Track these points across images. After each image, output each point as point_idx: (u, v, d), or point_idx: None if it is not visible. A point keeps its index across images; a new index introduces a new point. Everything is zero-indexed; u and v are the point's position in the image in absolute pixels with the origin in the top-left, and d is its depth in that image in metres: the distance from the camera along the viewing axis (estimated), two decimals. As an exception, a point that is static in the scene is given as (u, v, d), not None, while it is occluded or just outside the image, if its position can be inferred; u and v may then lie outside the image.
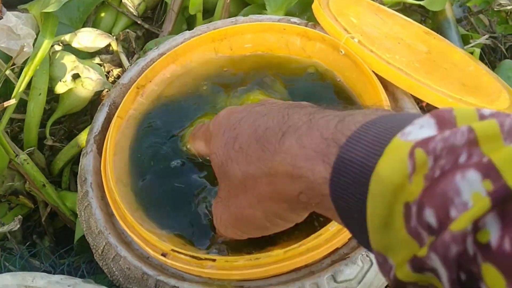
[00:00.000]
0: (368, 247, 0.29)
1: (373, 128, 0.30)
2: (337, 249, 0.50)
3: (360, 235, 0.30)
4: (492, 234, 0.22)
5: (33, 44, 0.72)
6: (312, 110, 0.36)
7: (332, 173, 0.30)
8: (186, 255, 0.49)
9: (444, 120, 0.27)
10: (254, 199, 0.40)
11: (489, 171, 0.23)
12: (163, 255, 0.50)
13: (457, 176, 0.24)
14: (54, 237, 0.71)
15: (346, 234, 0.49)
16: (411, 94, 0.60)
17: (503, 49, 0.93)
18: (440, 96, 0.59)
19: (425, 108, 0.71)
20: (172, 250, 0.50)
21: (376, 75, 0.59)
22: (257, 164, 0.38)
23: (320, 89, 0.63)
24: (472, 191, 0.23)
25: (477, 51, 0.89)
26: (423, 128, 0.27)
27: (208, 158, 0.51)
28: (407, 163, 0.26)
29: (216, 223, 0.47)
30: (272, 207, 0.39)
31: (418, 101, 0.64)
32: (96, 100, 0.80)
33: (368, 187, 0.27)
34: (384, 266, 0.28)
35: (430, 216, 0.24)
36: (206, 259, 0.48)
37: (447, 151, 0.25)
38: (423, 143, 0.26)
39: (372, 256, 0.48)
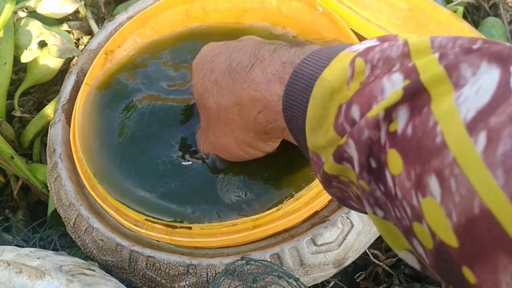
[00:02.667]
0: (306, 152, 0.33)
1: (326, 49, 0.33)
2: (316, 212, 0.48)
3: (303, 143, 0.33)
4: (400, 123, 0.24)
5: (-5, 10, 0.68)
6: (279, 45, 0.38)
7: (285, 89, 0.33)
8: (160, 224, 0.47)
9: (387, 37, 0.30)
10: (227, 129, 0.44)
11: (410, 72, 0.25)
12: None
13: (384, 78, 0.26)
14: (27, 212, 0.69)
15: (326, 197, 0.47)
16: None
17: (487, 7, 0.91)
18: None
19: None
20: (146, 219, 0.48)
21: (355, 33, 0.57)
22: (229, 95, 0.41)
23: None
24: (394, 89, 0.25)
25: (460, 9, 0.86)
26: (366, 43, 0.30)
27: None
28: (347, 70, 0.28)
29: (200, 148, 0.52)
30: (242, 136, 0.43)
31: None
32: (66, 69, 0.77)
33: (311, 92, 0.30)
34: (318, 163, 0.31)
35: (355, 111, 0.27)
36: (181, 227, 0.46)
37: (383, 61, 0.27)
38: (364, 52, 0.28)
39: (352, 218, 0.46)
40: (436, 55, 0.24)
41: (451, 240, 0.21)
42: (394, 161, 0.24)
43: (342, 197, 0.32)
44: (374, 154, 0.26)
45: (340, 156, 0.28)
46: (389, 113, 0.25)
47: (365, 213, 0.31)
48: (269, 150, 0.47)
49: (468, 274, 0.21)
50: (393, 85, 0.25)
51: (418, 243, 0.24)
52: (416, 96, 0.24)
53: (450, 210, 0.21)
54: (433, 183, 0.22)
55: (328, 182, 0.31)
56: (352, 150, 0.26)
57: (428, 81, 0.24)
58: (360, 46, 0.30)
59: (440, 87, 0.23)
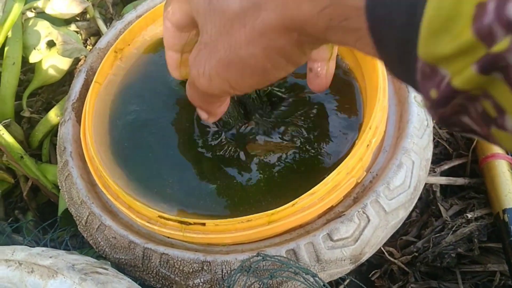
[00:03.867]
0: (404, 70, 0.26)
1: None
2: (332, 207, 0.47)
3: (398, 54, 0.26)
4: None
5: (3, 10, 0.68)
6: None
7: None
8: (174, 220, 0.46)
9: None
10: (254, 32, 0.33)
11: None
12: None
13: None
14: (37, 213, 0.68)
15: (340, 192, 0.47)
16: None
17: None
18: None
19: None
20: (159, 216, 0.47)
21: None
22: None
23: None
24: None
25: None
26: None
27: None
28: None
29: (196, 77, 0.39)
30: (278, 40, 0.33)
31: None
32: (74, 70, 0.76)
33: None
34: (433, 78, 0.24)
35: None
36: (195, 223, 0.46)
37: None
38: None
39: (369, 213, 0.45)
40: None
41: None
42: None
43: (452, 113, 0.25)
44: None
45: (494, 65, 0.22)
46: None
47: (469, 131, 0.26)
48: (302, 62, 0.36)
49: None
50: None
51: None
52: None
53: None
54: None
55: (448, 100, 0.24)
56: None
57: None
58: None
59: None
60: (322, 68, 0.45)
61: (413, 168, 0.48)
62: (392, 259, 0.56)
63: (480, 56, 0.21)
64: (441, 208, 0.58)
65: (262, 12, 0.32)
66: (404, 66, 0.26)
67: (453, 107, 0.24)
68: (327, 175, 0.45)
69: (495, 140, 0.24)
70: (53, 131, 0.70)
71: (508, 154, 0.59)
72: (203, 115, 0.45)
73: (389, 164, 0.48)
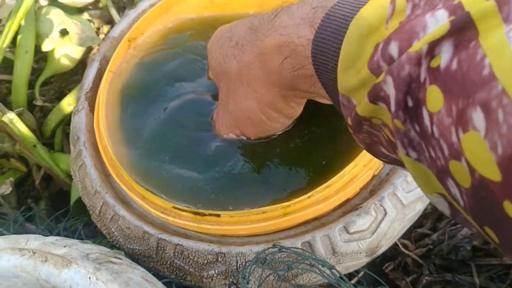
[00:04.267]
0: (337, 101, 0.32)
1: None
2: (348, 200, 0.47)
3: (332, 88, 0.32)
4: (444, 58, 0.23)
5: (17, -2, 0.68)
6: None
7: (316, 32, 0.32)
8: (188, 211, 0.46)
9: None
10: (249, 90, 0.42)
11: (456, 8, 0.23)
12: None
13: (427, 15, 0.24)
14: (50, 201, 0.68)
15: (357, 184, 0.46)
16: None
17: None
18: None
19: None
20: (174, 207, 0.47)
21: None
22: (251, 49, 0.40)
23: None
24: (438, 25, 0.24)
25: None
26: None
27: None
28: (387, 8, 0.27)
29: (217, 127, 0.50)
30: (265, 94, 0.41)
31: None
32: (86, 59, 0.76)
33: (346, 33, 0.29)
34: (348, 107, 0.29)
35: (393, 48, 0.25)
36: (210, 214, 0.45)
37: (425, 1, 0.26)
38: None
39: (386, 205, 0.45)
40: None
41: (493, 175, 0.20)
42: (434, 97, 0.23)
43: (371, 142, 0.31)
44: (411, 92, 0.25)
45: (376, 95, 0.26)
46: (432, 48, 0.24)
47: (392, 161, 0.31)
48: (292, 115, 0.45)
49: (510, 208, 0.20)
50: (437, 22, 0.24)
51: (453, 183, 0.23)
52: (462, 30, 0.23)
53: (495, 142, 0.20)
54: (477, 116, 0.21)
55: (359, 126, 0.30)
56: (390, 88, 0.25)
57: (477, 15, 0.23)
58: None
59: (489, 21, 0.22)
60: None
61: (430, 160, 0.47)
62: (406, 251, 0.55)
63: (369, 88, 0.26)
64: (457, 201, 0.57)
65: (251, 71, 0.41)
66: (338, 101, 0.31)
67: (367, 134, 0.30)
68: (344, 168, 0.45)
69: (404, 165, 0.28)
70: (66, 120, 0.70)
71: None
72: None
73: (406, 156, 0.47)
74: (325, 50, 0.31)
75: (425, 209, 0.59)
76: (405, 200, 0.46)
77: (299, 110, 0.45)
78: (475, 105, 0.21)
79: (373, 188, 0.48)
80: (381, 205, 0.45)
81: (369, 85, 0.27)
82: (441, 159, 0.24)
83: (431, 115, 0.24)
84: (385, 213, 0.45)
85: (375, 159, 0.46)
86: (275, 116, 0.44)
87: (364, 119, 0.28)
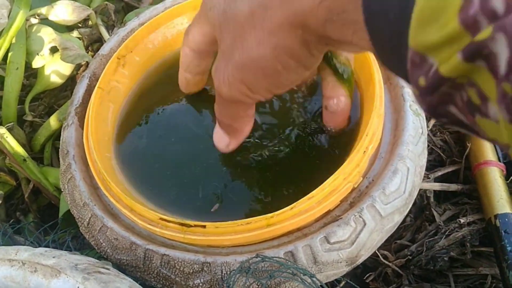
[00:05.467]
0: (395, 61, 0.27)
1: None
2: (329, 211, 0.49)
3: (388, 43, 0.27)
4: None
5: (8, 16, 0.69)
6: None
7: None
8: (174, 222, 0.48)
9: None
10: (263, 33, 0.35)
11: None
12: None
13: None
14: (38, 215, 0.69)
15: (337, 196, 0.48)
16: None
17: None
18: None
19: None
20: (160, 218, 0.48)
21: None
22: None
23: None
24: None
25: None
26: None
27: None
28: None
29: (218, 83, 0.41)
30: (285, 38, 0.34)
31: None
32: (76, 75, 0.78)
33: None
34: (421, 66, 0.25)
35: (497, 1, 0.21)
36: (195, 225, 0.47)
37: None
38: None
39: (365, 217, 0.47)
40: None
41: None
42: None
43: (439, 102, 0.26)
44: None
45: (477, 53, 0.23)
46: None
47: (456, 122, 0.27)
48: (312, 65, 0.38)
49: None
50: None
51: None
52: None
53: None
54: None
55: (436, 87, 0.25)
56: (501, 46, 0.22)
57: None
58: None
59: None
60: (337, 105, 0.48)
61: (408, 174, 0.49)
62: (386, 262, 0.57)
63: (465, 45, 0.23)
64: (435, 213, 0.60)
65: (268, 12, 0.34)
66: (396, 57, 0.27)
67: (440, 95, 0.25)
68: (325, 180, 0.47)
69: (479, 129, 0.25)
70: (55, 135, 0.71)
71: (500, 161, 0.61)
72: (223, 140, 0.49)
73: (385, 170, 0.49)
74: None
75: (404, 221, 0.61)
76: (384, 211, 0.48)
77: (319, 59, 0.38)
78: None
79: (353, 200, 0.50)
80: (360, 217, 0.47)
81: (461, 42, 0.23)
82: None
83: None
84: (364, 224, 0.47)
85: (355, 172, 0.48)
86: (292, 66, 0.37)
87: (448, 79, 0.24)
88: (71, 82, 0.78)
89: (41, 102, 0.75)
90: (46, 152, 0.70)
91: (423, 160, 0.52)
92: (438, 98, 0.26)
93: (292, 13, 0.33)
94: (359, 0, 0.27)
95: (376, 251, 0.56)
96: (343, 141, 0.52)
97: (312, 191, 0.47)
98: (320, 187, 0.47)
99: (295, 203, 0.46)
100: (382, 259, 0.57)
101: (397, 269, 0.57)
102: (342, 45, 0.35)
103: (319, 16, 0.31)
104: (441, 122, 0.28)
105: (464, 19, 0.22)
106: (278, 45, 0.35)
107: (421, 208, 0.62)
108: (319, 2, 0.30)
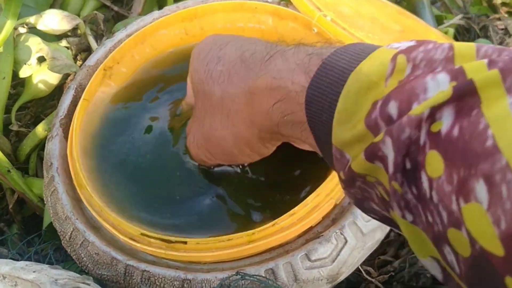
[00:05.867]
0: (329, 156, 0.31)
1: (360, 45, 0.31)
2: (311, 228, 0.49)
3: (325, 140, 0.31)
4: (445, 123, 0.23)
5: (-5, 26, 0.69)
6: (300, 43, 0.37)
7: (311, 80, 0.31)
8: (156, 238, 0.48)
9: (426, 40, 0.29)
10: (228, 122, 0.41)
11: (457, 74, 0.24)
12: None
13: (428, 77, 0.25)
14: (23, 225, 0.69)
15: (320, 213, 0.48)
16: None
17: (477, 29, 0.93)
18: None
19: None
20: (142, 234, 0.48)
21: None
22: (239, 84, 0.39)
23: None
24: (439, 89, 0.24)
25: (451, 31, 0.89)
26: (405, 43, 0.29)
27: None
28: (387, 66, 0.27)
29: (189, 143, 0.49)
30: (244, 132, 0.40)
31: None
32: (63, 84, 0.77)
33: (344, 86, 0.28)
34: (341, 161, 0.29)
35: (392, 108, 0.25)
36: (176, 241, 0.47)
37: (425, 62, 0.26)
38: (407, 50, 0.27)
39: (346, 234, 0.47)
40: (485, 61, 0.24)
41: (496, 249, 0.20)
42: (434, 163, 0.23)
43: (362, 198, 0.30)
44: (410, 154, 0.24)
45: (373, 154, 0.26)
46: (434, 113, 0.24)
47: (382, 218, 0.31)
48: (264, 154, 0.44)
49: None
50: (438, 85, 0.24)
51: (450, 250, 0.23)
52: (465, 97, 0.23)
53: (499, 217, 0.20)
54: (480, 188, 0.21)
55: (352, 181, 0.29)
56: (388, 149, 0.25)
57: (480, 83, 0.23)
58: (400, 45, 0.29)
59: (492, 91, 0.22)
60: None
61: (390, 191, 0.49)
62: (369, 278, 0.57)
63: (367, 145, 0.26)
64: (419, 230, 0.60)
65: (235, 105, 0.40)
66: (329, 153, 0.31)
67: (359, 190, 0.29)
68: (307, 197, 0.47)
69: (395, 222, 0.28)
70: (41, 145, 0.70)
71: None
72: None
73: (367, 186, 0.49)
74: (320, 100, 0.30)
75: (388, 237, 0.61)
76: (365, 229, 0.48)
77: (272, 150, 0.44)
78: (477, 177, 0.21)
79: (335, 217, 0.50)
80: (341, 234, 0.47)
81: (365, 142, 0.26)
82: (439, 225, 0.23)
83: (430, 180, 0.23)
84: (346, 241, 0.47)
85: (337, 189, 0.48)
86: (247, 153, 0.43)
87: (359, 175, 0.28)
88: (58, 91, 0.77)
89: (28, 112, 0.75)
90: (31, 162, 0.70)
91: (406, 177, 0.52)
92: (359, 193, 0.30)
93: (252, 113, 0.38)
94: (303, 103, 0.32)
95: (359, 267, 0.56)
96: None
97: (294, 207, 0.47)
98: (302, 203, 0.47)
99: (276, 220, 0.46)
100: (365, 274, 0.57)
101: (380, 285, 0.57)
102: (294, 140, 0.41)
103: (273, 118, 0.36)
104: (374, 219, 0.32)
105: (368, 121, 0.26)
106: (237, 135, 0.41)
107: (405, 223, 0.62)
108: (273, 105, 0.35)
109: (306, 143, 0.36)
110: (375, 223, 0.48)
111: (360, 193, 0.30)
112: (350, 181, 0.29)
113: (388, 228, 0.50)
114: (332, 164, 0.31)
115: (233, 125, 0.41)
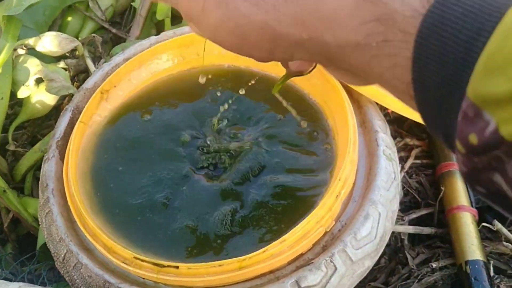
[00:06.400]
0: (435, 113, 0.24)
1: None
2: (301, 254, 0.50)
3: (431, 87, 0.24)
4: None
5: (-5, 48, 0.70)
6: None
7: (434, 3, 0.23)
8: (148, 262, 0.48)
9: None
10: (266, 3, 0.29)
11: None
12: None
13: None
14: (17, 244, 0.70)
15: (310, 240, 0.49)
16: (375, 102, 0.60)
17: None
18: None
19: (390, 115, 0.72)
20: (135, 257, 0.49)
21: (341, 82, 0.59)
22: None
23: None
24: None
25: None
26: None
27: None
28: None
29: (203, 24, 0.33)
30: (285, 27, 0.28)
31: (382, 109, 0.65)
32: (60, 105, 0.78)
33: (499, 20, 0.21)
34: (474, 122, 0.22)
35: None
36: (169, 266, 0.48)
37: None
38: None
39: (336, 261, 0.48)
40: None
41: None
42: None
43: (486, 167, 0.23)
44: None
45: None
46: None
47: (494, 193, 0.23)
48: (270, 60, 0.32)
49: None
50: None
51: None
52: None
53: None
54: None
55: (489, 149, 0.22)
56: None
57: None
58: None
59: None
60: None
61: (379, 219, 0.50)
62: (359, 304, 0.58)
63: None
64: (408, 257, 0.61)
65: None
66: (442, 107, 0.24)
67: (489, 159, 0.22)
68: (298, 224, 0.48)
69: None
70: (37, 165, 0.71)
71: (472, 206, 0.62)
72: None
73: (356, 214, 0.50)
74: (446, 34, 0.23)
75: (379, 263, 0.62)
76: (355, 257, 0.48)
77: (275, 60, 0.33)
78: None
79: (326, 244, 0.50)
80: (331, 261, 0.48)
81: None
82: None
83: None
84: (335, 269, 0.48)
85: (327, 217, 0.49)
86: (265, 49, 0.31)
87: (508, 144, 0.21)
88: (55, 111, 0.78)
89: (25, 132, 0.76)
90: (27, 182, 0.71)
91: (395, 205, 0.53)
92: (486, 162, 0.23)
93: (317, 17, 0.27)
94: (413, 33, 0.24)
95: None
96: (316, 184, 0.53)
97: (285, 234, 0.48)
98: (292, 230, 0.48)
99: (267, 246, 0.47)
100: (354, 301, 0.57)
101: (369, 311, 0.57)
102: (333, 66, 0.31)
103: (350, 37, 0.27)
104: (477, 192, 0.25)
105: None
106: (270, 26, 0.29)
107: (395, 250, 0.63)
108: (359, 22, 0.26)
109: (368, 79, 0.28)
110: (364, 251, 0.49)
111: (487, 162, 0.23)
112: (484, 149, 0.22)
113: (377, 256, 0.51)
114: (446, 123, 0.24)
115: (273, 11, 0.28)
